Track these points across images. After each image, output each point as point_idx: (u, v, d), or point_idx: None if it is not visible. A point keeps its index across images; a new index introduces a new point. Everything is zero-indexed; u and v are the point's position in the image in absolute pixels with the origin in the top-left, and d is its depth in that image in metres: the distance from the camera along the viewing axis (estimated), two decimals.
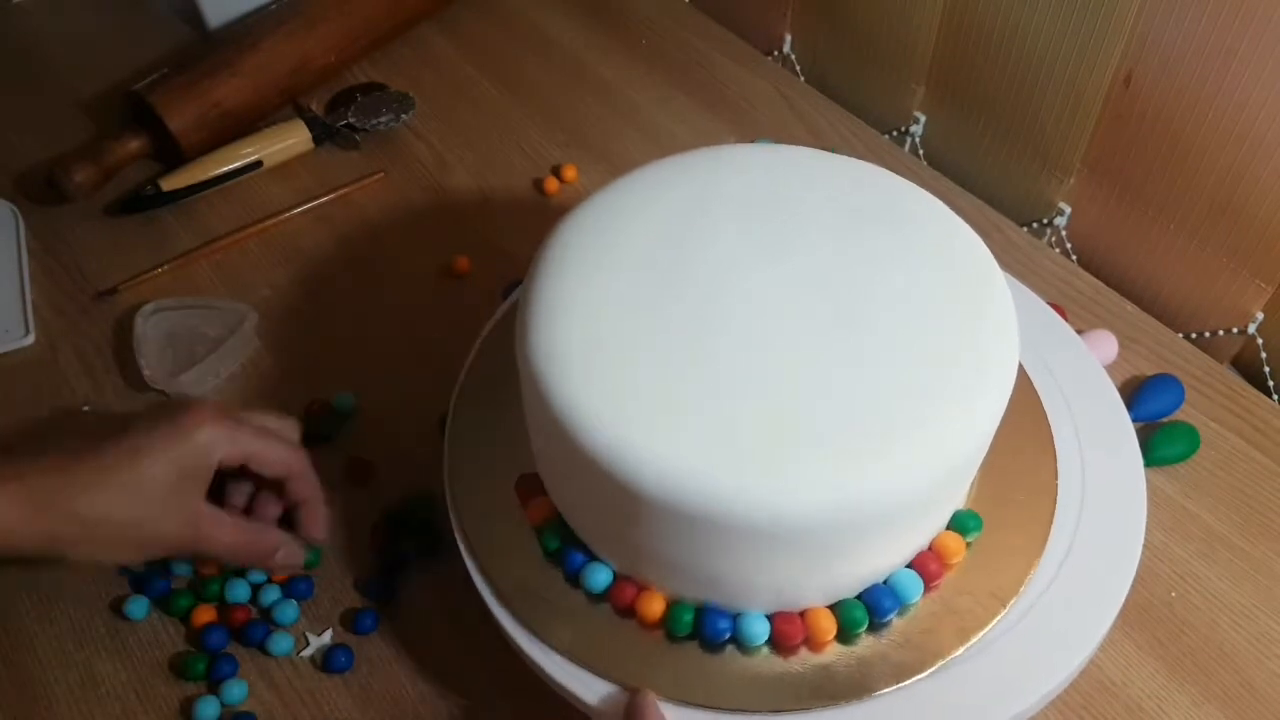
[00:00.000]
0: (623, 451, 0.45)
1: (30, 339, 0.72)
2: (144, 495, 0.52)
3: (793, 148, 0.57)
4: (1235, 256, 0.68)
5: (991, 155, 0.79)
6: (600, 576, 0.52)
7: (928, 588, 0.51)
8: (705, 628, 0.50)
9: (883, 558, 0.50)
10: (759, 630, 0.50)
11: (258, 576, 0.60)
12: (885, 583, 0.51)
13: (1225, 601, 0.58)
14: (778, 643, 0.51)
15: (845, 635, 0.51)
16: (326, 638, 0.59)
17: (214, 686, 0.57)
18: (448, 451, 0.58)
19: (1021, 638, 0.51)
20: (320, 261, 0.76)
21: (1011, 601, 0.52)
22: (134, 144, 0.79)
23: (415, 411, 0.66)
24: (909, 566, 0.51)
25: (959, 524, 0.53)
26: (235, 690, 0.57)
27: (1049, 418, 0.58)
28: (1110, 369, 0.62)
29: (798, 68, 0.90)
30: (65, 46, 0.91)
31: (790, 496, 0.44)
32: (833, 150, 0.79)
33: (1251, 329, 0.70)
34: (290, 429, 0.59)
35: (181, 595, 0.60)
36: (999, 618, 0.51)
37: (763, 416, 0.45)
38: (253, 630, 0.58)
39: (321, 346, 0.72)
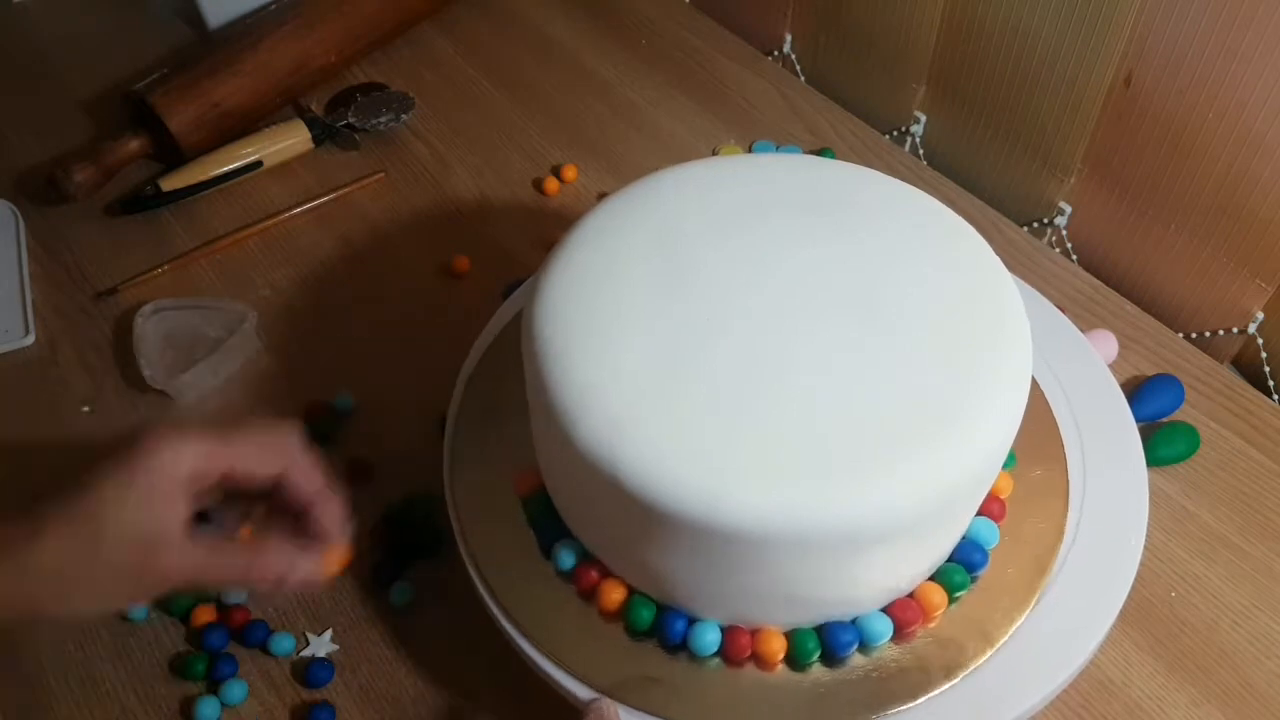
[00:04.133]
0: (618, 452, 0.45)
1: (30, 339, 0.72)
2: (99, 530, 0.45)
3: (802, 156, 0.57)
4: (1235, 256, 0.68)
5: (991, 155, 0.79)
6: (567, 557, 0.52)
7: (899, 636, 0.51)
8: (664, 627, 0.51)
9: (859, 588, 0.49)
10: (710, 638, 0.50)
11: None
12: (853, 621, 0.50)
13: (1225, 601, 0.58)
14: (726, 653, 0.50)
15: (795, 663, 0.50)
16: (327, 638, 0.59)
17: (214, 686, 0.57)
18: (448, 451, 0.58)
19: (1021, 637, 0.51)
20: (320, 261, 0.76)
21: (999, 643, 0.51)
22: (134, 144, 0.79)
23: (415, 411, 0.66)
24: (885, 610, 0.51)
25: (945, 578, 0.52)
26: (235, 690, 0.57)
27: (1054, 417, 0.58)
28: (1110, 369, 0.62)
29: (798, 68, 0.90)
30: (65, 46, 0.91)
31: (787, 511, 0.44)
32: (832, 151, 0.80)
33: (1251, 329, 0.70)
34: (284, 430, 0.51)
35: (181, 595, 0.60)
36: (984, 657, 0.50)
37: (764, 427, 0.45)
38: (253, 630, 0.58)
39: (321, 346, 0.72)
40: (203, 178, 0.79)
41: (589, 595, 0.52)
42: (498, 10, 0.93)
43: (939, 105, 0.81)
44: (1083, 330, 0.63)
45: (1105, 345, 0.66)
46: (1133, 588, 0.53)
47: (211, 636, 0.58)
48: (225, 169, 0.79)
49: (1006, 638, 0.51)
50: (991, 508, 0.54)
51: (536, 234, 0.77)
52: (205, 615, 0.59)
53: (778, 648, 0.50)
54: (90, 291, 0.75)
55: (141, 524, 0.46)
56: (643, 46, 0.90)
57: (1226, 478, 0.63)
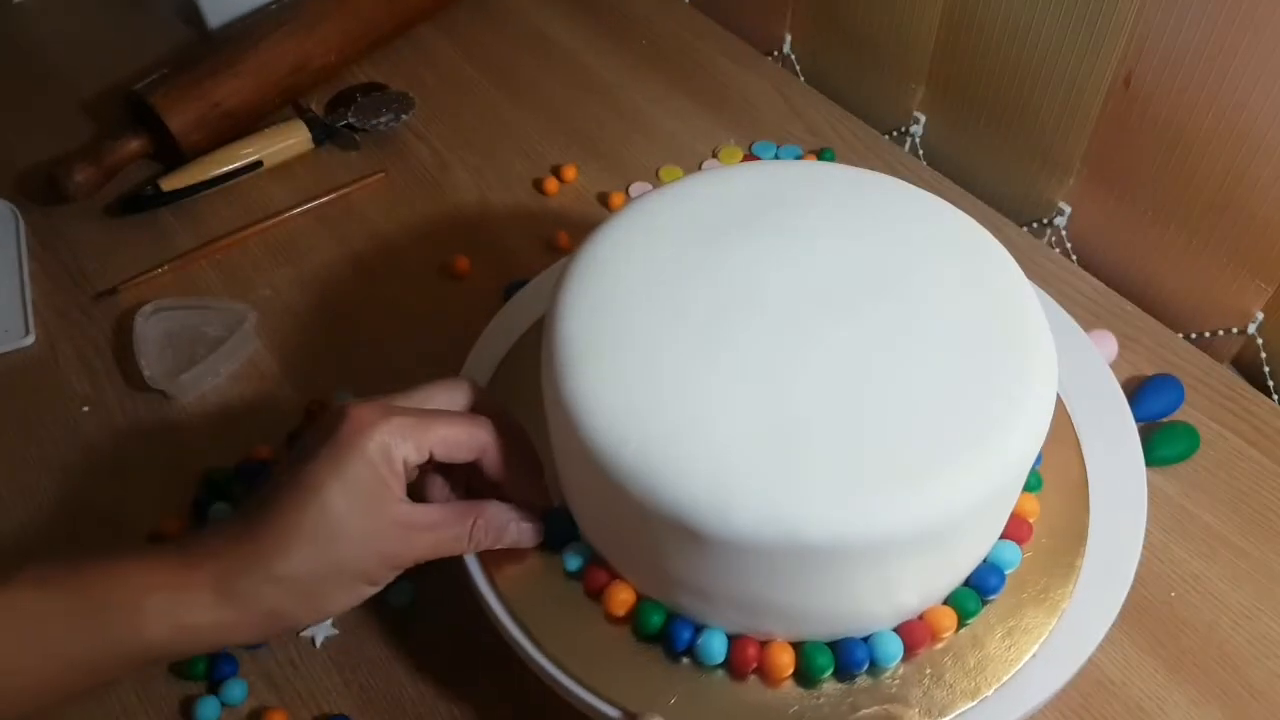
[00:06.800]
0: (637, 462, 0.45)
1: (30, 339, 0.72)
2: (337, 534, 0.45)
3: (817, 163, 0.57)
4: (1235, 256, 0.68)
5: (991, 155, 0.79)
6: (575, 558, 0.52)
7: (907, 656, 0.50)
8: (671, 633, 0.50)
9: (860, 606, 0.49)
10: (717, 647, 0.49)
11: None
12: (866, 640, 0.50)
13: (1225, 602, 0.58)
14: (732, 664, 0.50)
15: (806, 678, 0.50)
16: (327, 623, 0.59)
17: (214, 686, 0.57)
18: None
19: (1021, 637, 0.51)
20: (320, 261, 0.76)
21: (991, 690, 0.50)
22: (134, 144, 0.79)
23: None
24: (896, 630, 0.50)
25: (957, 601, 0.51)
26: (235, 690, 0.57)
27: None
28: (1110, 369, 0.62)
29: (798, 68, 0.90)
30: (65, 46, 0.91)
31: (805, 520, 0.43)
32: (832, 151, 0.80)
33: (1251, 329, 0.70)
34: (459, 393, 0.51)
35: None
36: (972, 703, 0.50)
37: (791, 436, 0.45)
38: None
39: (321, 346, 0.72)
40: (203, 178, 0.79)
41: (596, 596, 0.52)
42: (498, 10, 0.93)
43: (939, 105, 0.81)
44: (1082, 330, 0.63)
45: (1105, 345, 0.66)
46: (1132, 588, 0.53)
47: None
48: (225, 169, 0.79)
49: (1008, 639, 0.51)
50: (1019, 530, 0.53)
51: (536, 234, 0.77)
52: None
53: (786, 661, 0.49)
54: (90, 291, 0.75)
55: (375, 520, 0.46)
56: (643, 46, 0.90)
57: (1226, 478, 0.63)
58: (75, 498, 0.64)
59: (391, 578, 0.49)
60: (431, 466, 0.50)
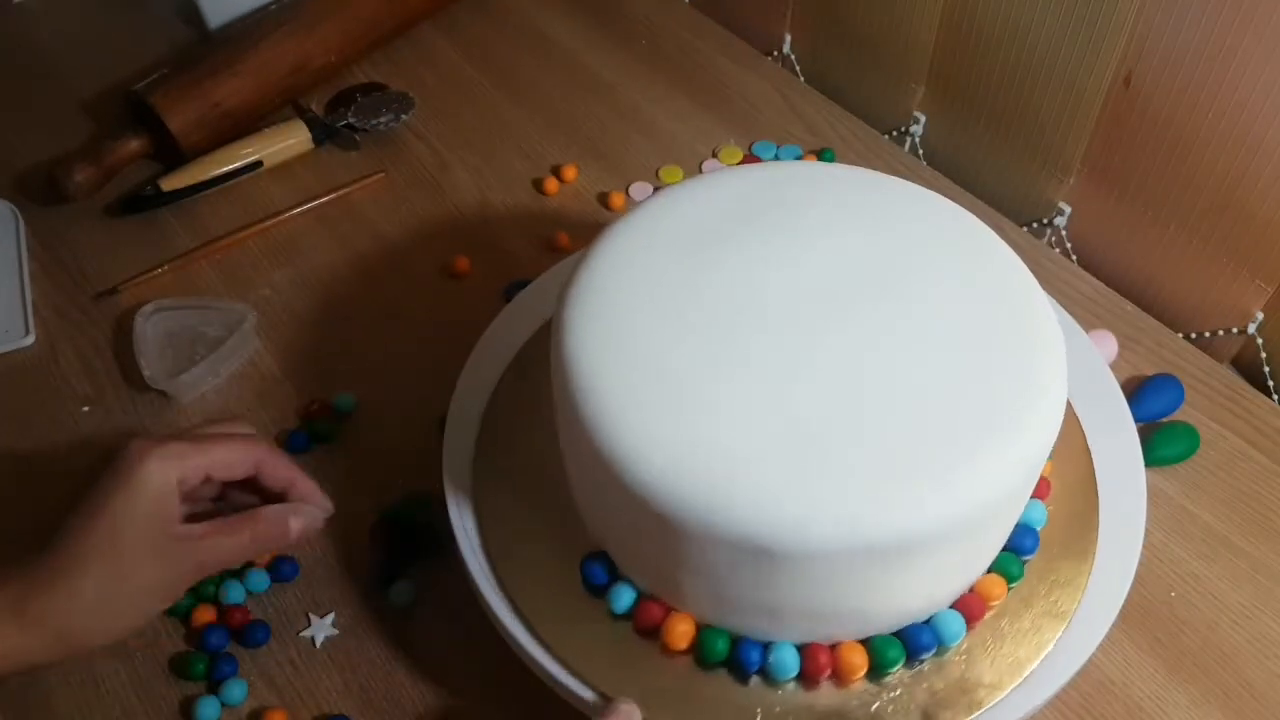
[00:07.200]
0: (666, 482, 0.44)
1: (30, 339, 0.72)
2: (123, 553, 0.49)
3: (822, 164, 0.57)
4: (1235, 256, 0.68)
5: (991, 155, 0.79)
6: (625, 599, 0.51)
7: (969, 628, 0.51)
8: (739, 656, 0.49)
9: (924, 594, 0.50)
10: (789, 661, 0.49)
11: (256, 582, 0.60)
12: (927, 622, 0.50)
13: (1225, 602, 0.58)
14: (805, 673, 0.50)
15: (878, 672, 0.50)
16: (328, 621, 0.59)
17: (214, 686, 0.57)
18: (447, 452, 0.58)
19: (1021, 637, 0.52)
20: (320, 261, 0.76)
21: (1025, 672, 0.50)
22: (134, 144, 0.79)
23: (415, 411, 0.66)
24: (952, 607, 0.51)
25: (1001, 567, 0.52)
26: (235, 690, 0.57)
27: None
28: (1110, 369, 0.62)
29: (798, 68, 0.90)
30: (65, 46, 0.91)
31: (876, 523, 0.44)
32: (832, 151, 0.80)
33: (1251, 329, 0.70)
34: (240, 425, 0.56)
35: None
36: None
37: (810, 442, 0.45)
38: (253, 631, 0.58)
39: (321, 346, 0.72)
40: (203, 178, 0.79)
41: (650, 633, 0.51)
42: (498, 10, 0.93)
43: (938, 105, 0.81)
44: (1083, 330, 0.63)
45: (1105, 345, 0.66)
46: (1132, 588, 0.53)
47: (211, 636, 0.58)
48: (225, 169, 0.79)
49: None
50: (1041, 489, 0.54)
51: (536, 234, 0.77)
52: (205, 615, 0.59)
53: (859, 661, 0.49)
54: (90, 291, 0.75)
55: (156, 536, 0.50)
56: (643, 47, 0.90)
57: (1226, 478, 0.63)
58: (75, 498, 0.64)
59: (180, 593, 0.52)
60: (221, 486, 0.55)
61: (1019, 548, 0.53)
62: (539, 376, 0.53)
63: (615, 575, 0.52)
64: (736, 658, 0.50)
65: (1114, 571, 0.53)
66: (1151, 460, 0.60)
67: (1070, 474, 0.56)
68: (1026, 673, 0.50)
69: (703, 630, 0.50)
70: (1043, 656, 0.50)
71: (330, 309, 0.74)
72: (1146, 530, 0.55)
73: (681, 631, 0.50)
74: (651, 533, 0.46)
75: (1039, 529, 0.54)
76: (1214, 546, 0.60)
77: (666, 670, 0.50)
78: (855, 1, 0.82)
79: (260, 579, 0.60)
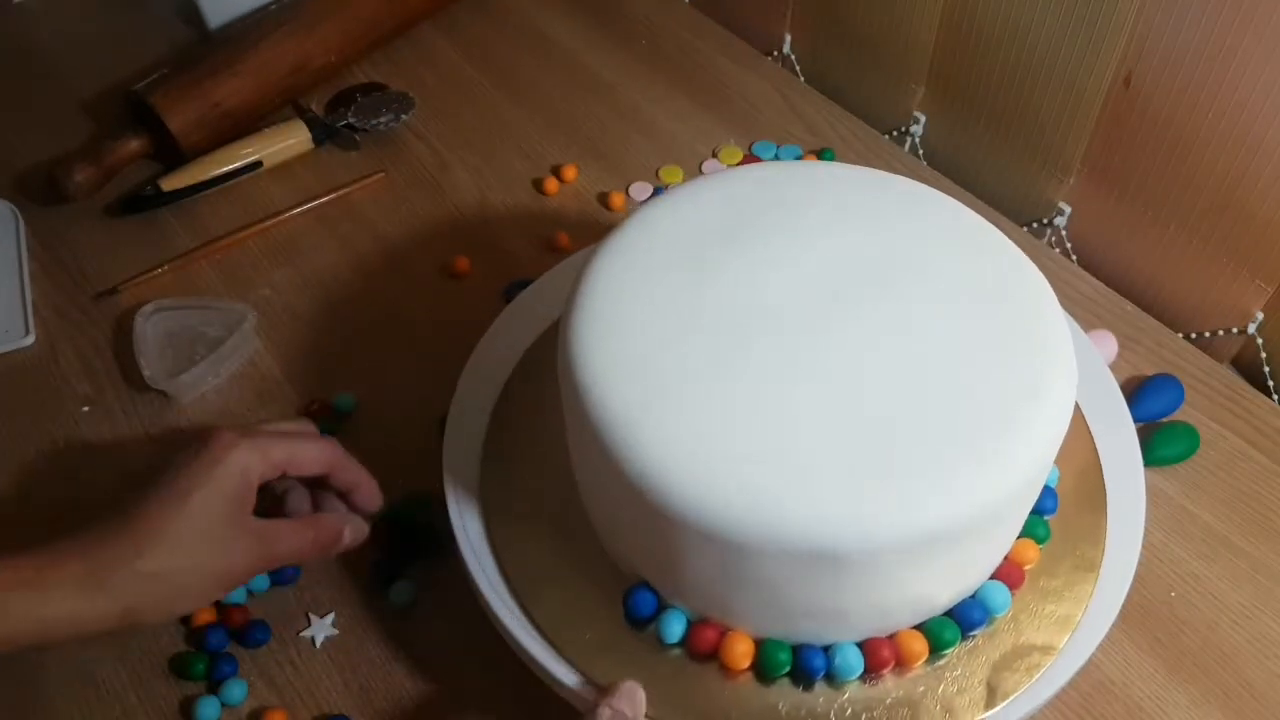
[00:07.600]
0: (718, 506, 0.44)
1: (30, 339, 0.72)
2: (202, 535, 0.51)
3: (825, 163, 0.57)
4: (1235, 256, 0.68)
5: (991, 155, 0.79)
6: (677, 626, 0.50)
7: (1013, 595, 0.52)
8: (803, 664, 0.49)
9: (976, 570, 0.51)
10: (854, 661, 0.49)
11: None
12: (973, 597, 0.51)
13: (1225, 602, 0.58)
14: (868, 668, 0.50)
15: (936, 655, 0.50)
16: (329, 621, 0.59)
17: (214, 686, 0.57)
18: (447, 452, 0.58)
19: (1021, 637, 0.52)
20: (320, 261, 0.76)
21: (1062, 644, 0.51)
22: (134, 144, 0.79)
23: (415, 411, 0.66)
24: (993, 578, 0.52)
25: (1029, 530, 0.53)
26: (235, 690, 0.57)
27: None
28: (1110, 369, 0.62)
29: (798, 68, 0.90)
30: (65, 46, 0.91)
31: (875, 522, 0.44)
32: (832, 151, 0.80)
33: (1251, 329, 0.70)
34: (307, 425, 0.59)
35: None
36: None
37: (850, 442, 0.45)
38: (253, 631, 0.58)
39: (321, 346, 0.72)
40: (203, 178, 0.79)
41: (707, 656, 0.50)
42: (498, 10, 0.93)
43: (938, 105, 0.81)
44: (1082, 330, 0.63)
45: (1105, 345, 0.66)
46: (1132, 588, 0.53)
47: (211, 636, 0.58)
48: (225, 169, 0.79)
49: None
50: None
51: (536, 234, 0.77)
52: (205, 615, 0.59)
53: (920, 648, 0.50)
54: (90, 291, 0.75)
55: (233, 527, 0.52)
56: (643, 47, 0.90)
57: (1226, 478, 0.63)
58: (75, 497, 0.64)
59: (242, 583, 0.55)
60: (290, 480, 0.57)
61: (1041, 508, 0.54)
62: (544, 379, 0.52)
63: (661, 604, 0.51)
64: (799, 666, 0.49)
65: (1114, 571, 0.53)
66: (1151, 460, 0.60)
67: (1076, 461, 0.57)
68: (1074, 627, 0.51)
69: (763, 644, 0.50)
70: (1085, 608, 0.52)
71: (330, 309, 0.74)
72: (1146, 530, 0.55)
73: (742, 651, 0.49)
74: (703, 555, 0.46)
75: (1054, 486, 0.56)
76: (1214, 546, 0.60)
77: (727, 691, 0.50)
78: (855, 1, 0.82)
79: (260, 579, 0.60)
